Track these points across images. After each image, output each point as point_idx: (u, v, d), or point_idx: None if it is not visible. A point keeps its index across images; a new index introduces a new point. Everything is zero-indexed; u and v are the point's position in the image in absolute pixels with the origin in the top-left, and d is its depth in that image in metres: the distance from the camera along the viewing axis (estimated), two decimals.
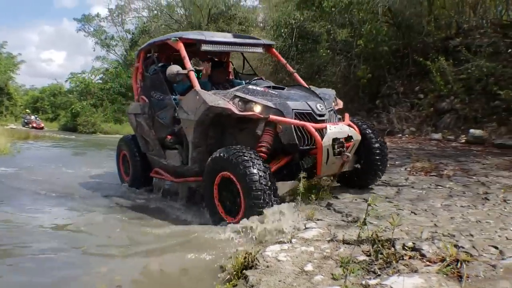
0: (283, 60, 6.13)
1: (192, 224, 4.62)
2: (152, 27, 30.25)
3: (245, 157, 3.84)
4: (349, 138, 4.33)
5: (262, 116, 4.23)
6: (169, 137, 5.31)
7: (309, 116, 4.33)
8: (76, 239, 4.40)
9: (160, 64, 5.71)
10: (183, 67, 4.93)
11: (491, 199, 4.16)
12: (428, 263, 2.63)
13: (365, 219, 2.50)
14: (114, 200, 6.16)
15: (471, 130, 8.54)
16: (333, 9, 13.69)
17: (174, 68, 4.87)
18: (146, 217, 5.15)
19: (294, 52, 15.84)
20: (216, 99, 4.31)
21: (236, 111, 4.22)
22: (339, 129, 4.30)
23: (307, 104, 4.40)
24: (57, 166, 9.80)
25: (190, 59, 5.18)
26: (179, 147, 5.18)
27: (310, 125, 4.15)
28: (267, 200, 3.73)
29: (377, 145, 4.82)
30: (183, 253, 3.54)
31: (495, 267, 2.47)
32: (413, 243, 2.92)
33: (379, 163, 4.85)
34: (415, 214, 3.85)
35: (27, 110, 48.21)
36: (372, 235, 2.97)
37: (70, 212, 5.56)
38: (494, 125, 8.79)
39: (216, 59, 6.57)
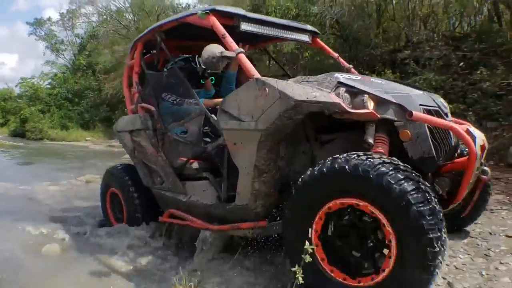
0: (335, 54, 4.60)
1: None
2: (101, 32, 29.87)
3: (400, 171, 2.24)
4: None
5: (379, 116, 2.66)
6: (192, 161, 3.65)
7: (437, 114, 2.96)
8: None
9: (180, 57, 4.21)
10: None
11: None
12: None
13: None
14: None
15: None
16: None
17: (215, 49, 3.08)
18: None
19: None
20: (307, 90, 2.64)
21: (348, 109, 2.60)
22: (478, 133, 3.00)
23: (431, 97, 3.11)
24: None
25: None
26: (209, 175, 3.54)
27: (459, 128, 2.68)
28: (440, 245, 2.14)
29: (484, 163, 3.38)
30: None
31: None
32: None
33: (487, 194, 3.57)
34: None
35: None
36: None
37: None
38: None
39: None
